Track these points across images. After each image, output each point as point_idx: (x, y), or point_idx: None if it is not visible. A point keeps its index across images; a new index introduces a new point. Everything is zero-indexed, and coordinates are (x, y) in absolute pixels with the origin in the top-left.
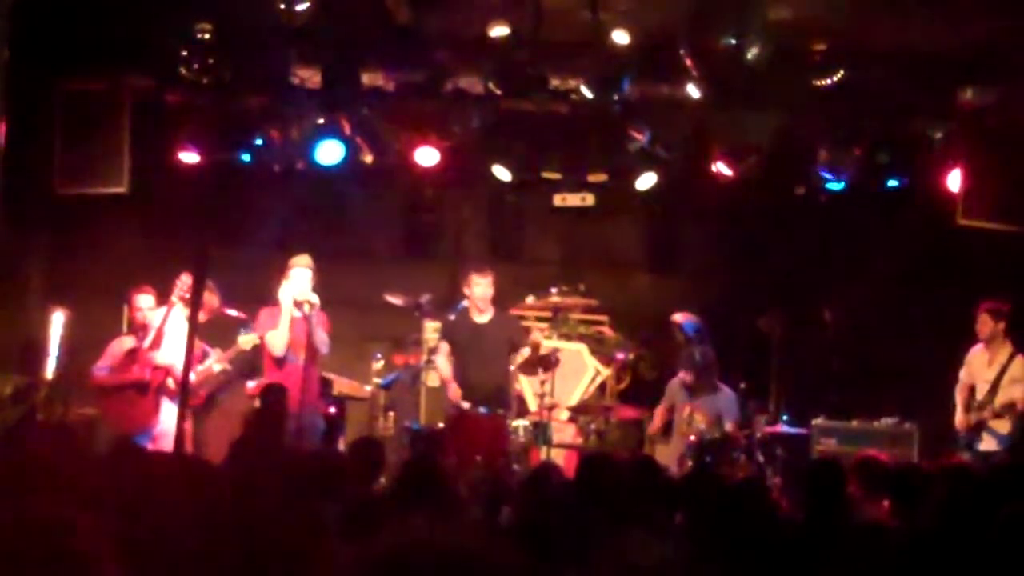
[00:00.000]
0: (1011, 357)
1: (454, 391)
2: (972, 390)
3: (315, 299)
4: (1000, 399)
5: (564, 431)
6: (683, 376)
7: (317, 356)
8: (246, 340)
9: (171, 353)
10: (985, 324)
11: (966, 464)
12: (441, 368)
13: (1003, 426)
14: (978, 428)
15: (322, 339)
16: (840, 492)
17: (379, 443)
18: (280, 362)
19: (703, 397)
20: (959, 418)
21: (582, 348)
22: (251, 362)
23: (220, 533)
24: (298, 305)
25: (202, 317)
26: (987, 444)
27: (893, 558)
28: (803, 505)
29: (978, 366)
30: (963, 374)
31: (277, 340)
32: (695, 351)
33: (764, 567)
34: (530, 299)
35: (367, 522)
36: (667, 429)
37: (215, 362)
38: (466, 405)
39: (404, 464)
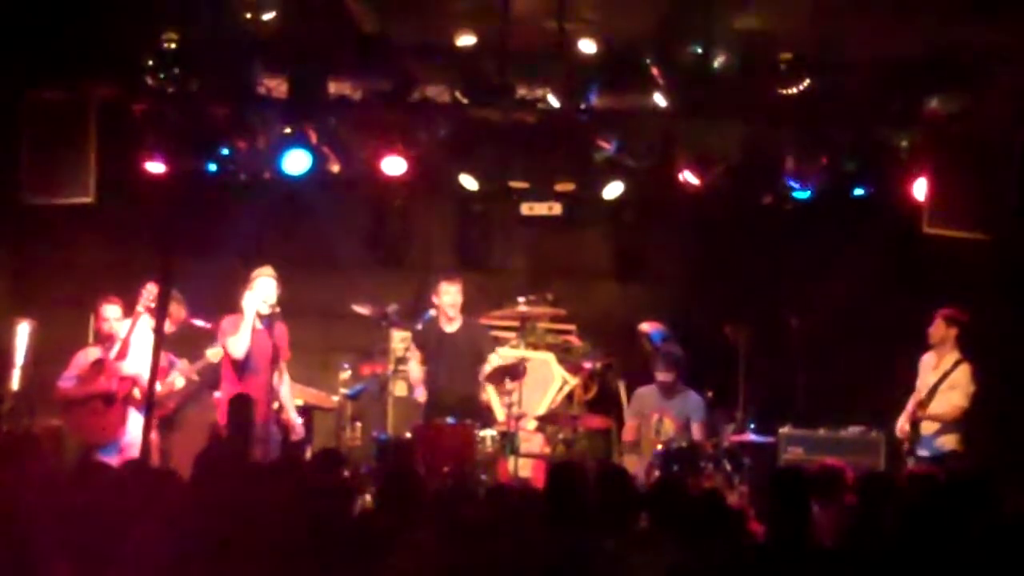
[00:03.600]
0: (956, 364)
1: (421, 394)
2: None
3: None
4: (935, 403)
5: (532, 441)
6: (661, 377)
7: (277, 368)
8: (214, 353)
9: (138, 363)
10: (938, 328)
11: (931, 473)
12: (412, 372)
13: (930, 428)
14: (915, 431)
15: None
16: (805, 501)
17: (341, 454)
18: (242, 372)
19: (672, 400)
20: (900, 424)
21: (549, 357)
22: (218, 372)
23: (186, 546)
24: (261, 317)
25: (169, 328)
26: (922, 451)
27: (856, 569)
28: (768, 514)
29: (925, 371)
30: (918, 383)
31: (237, 346)
32: (670, 350)
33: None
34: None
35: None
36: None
37: (179, 375)
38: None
39: (384, 477)
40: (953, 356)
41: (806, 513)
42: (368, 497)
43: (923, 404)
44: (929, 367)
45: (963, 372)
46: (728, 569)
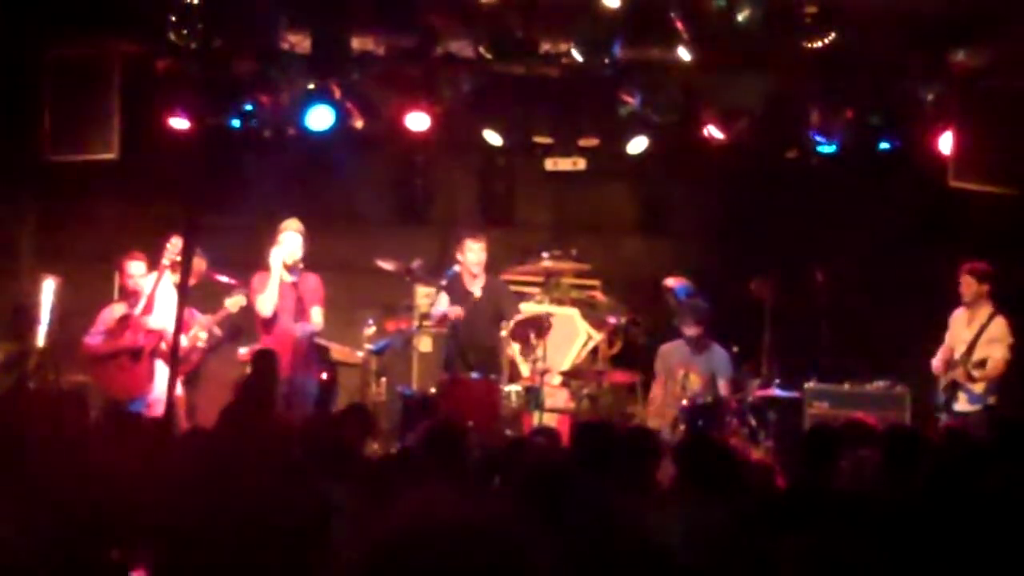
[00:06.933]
0: (991, 317)
1: (455, 311)
2: (952, 352)
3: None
4: (976, 358)
5: (556, 396)
6: (689, 332)
7: (308, 320)
8: (233, 302)
9: (163, 318)
10: (969, 286)
11: (960, 428)
12: (440, 303)
13: (978, 386)
14: (953, 388)
15: (304, 329)
16: (835, 457)
17: (369, 409)
18: (270, 327)
19: (699, 355)
20: (936, 364)
21: (574, 313)
22: (239, 326)
23: (209, 501)
24: (289, 269)
25: (190, 282)
26: (962, 404)
27: (883, 522)
28: (797, 469)
29: (958, 327)
30: (947, 337)
31: (265, 303)
32: (696, 303)
33: (757, 531)
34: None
35: (382, 490)
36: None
37: (201, 330)
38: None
39: (428, 429)
40: (987, 310)
41: (835, 469)
42: (376, 446)
43: (960, 362)
44: (962, 323)
45: (1000, 325)
46: (753, 523)
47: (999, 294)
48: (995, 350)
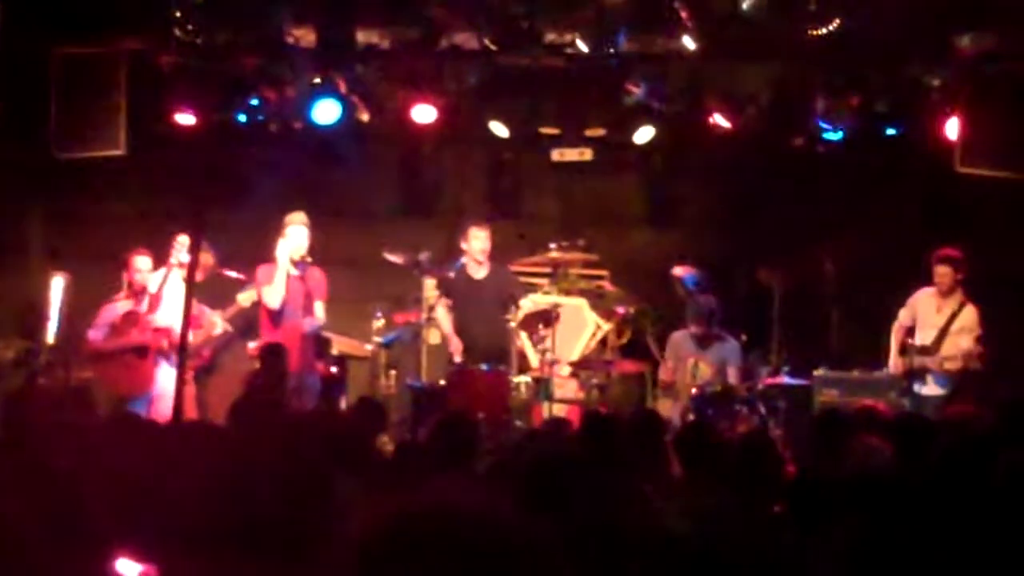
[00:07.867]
0: (962, 305)
1: (455, 346)
2: (909, 332)
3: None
4: (947, 347)
5: (566, 386)
6: (693, 329)
7: (310, 313)
8: (245, 297)
9: (170, 315)
10: (947, 276)
11: (971, 413)
12: (442, 322)
13: (944, 366)
14: (921, 372)
15: (312, 324)
16: (844, 442)
17: (380, 402)
18: (277, 321)
19: (708, 347)
20: (894, 361)
21: (582, 303)
22: (251, 321)
23: (221, 497)
24: (295, 263)
25: (198, 277)
26: (930, 388)
27: (895, 507)
28: (806, 455)
29: (925, 310)
30: (904, 315)
31: (272, 295)
32: (699, 300)
33: (765, 519)
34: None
35: (394, 483)
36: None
37: (219, 319)
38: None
39: (439, 421)
40: (957, 297)
41: (845, 453)
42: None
43: (931, 349)
44: (930, 307)
45: (971, 314)
46: (764, 511)
47: (999, 280)
48: (962, 340)
